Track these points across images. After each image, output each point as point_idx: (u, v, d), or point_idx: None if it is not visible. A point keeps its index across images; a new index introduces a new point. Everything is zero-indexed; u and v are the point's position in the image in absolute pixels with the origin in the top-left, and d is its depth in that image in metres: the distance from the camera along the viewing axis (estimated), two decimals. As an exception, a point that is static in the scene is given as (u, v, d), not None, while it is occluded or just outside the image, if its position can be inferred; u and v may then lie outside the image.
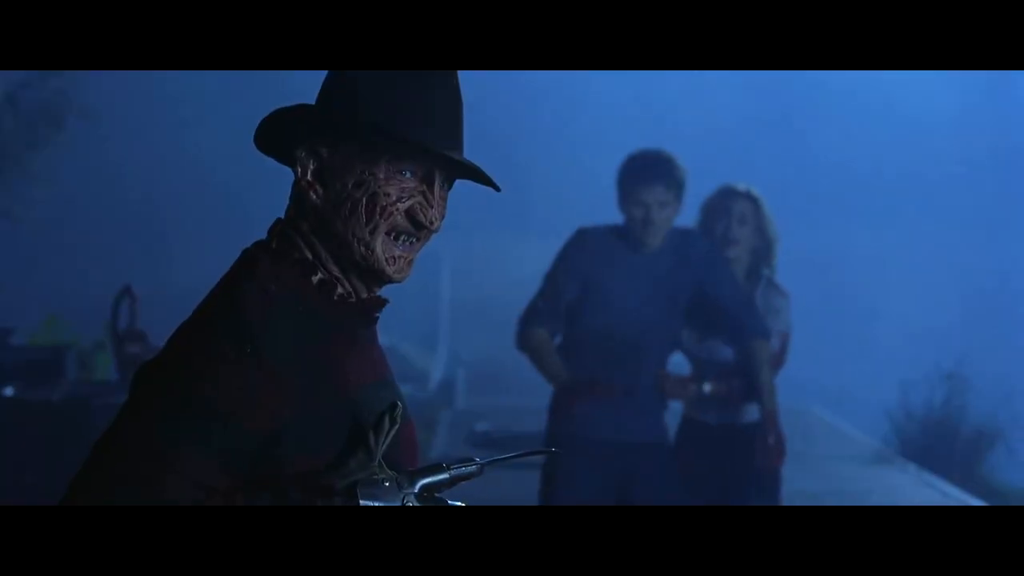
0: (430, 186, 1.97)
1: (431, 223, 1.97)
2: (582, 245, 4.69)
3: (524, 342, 4.69)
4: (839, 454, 10.40)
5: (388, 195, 1.94)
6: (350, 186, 1.94)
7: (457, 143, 1.99)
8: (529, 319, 4.67)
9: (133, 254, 17.83)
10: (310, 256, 1.97)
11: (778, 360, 4.99)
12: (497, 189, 2.02)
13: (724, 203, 4.98)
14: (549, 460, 4.67)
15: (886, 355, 15.99)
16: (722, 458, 4.89)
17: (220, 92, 19.21)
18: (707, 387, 4.86)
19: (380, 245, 1.95)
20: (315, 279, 1.96)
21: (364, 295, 2.01)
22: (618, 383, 4.60)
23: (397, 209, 1.94)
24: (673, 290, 4.68)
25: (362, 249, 1.94)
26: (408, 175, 1.95)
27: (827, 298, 18.23)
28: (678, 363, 4.95)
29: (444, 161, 1.97)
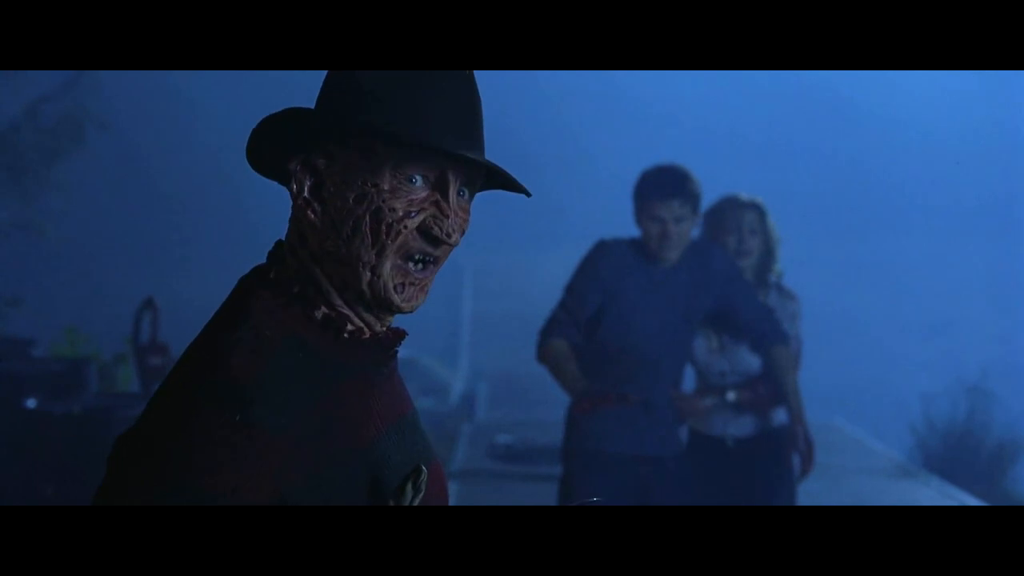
0: (444, 194, 1.69)
1: (448, 236, 1.69)
2: (602, 257, 4.68)
3: (544, 353, 4.66)
4: (861, 467, 10.35)
5: (394, 211, 1.66)
6: (351, 201, 1.67)
7: (474, 143, 1.71)
8: (549, 331, 4.65)
9: (155, 265, 17.89)
10: (312, 289, 1.70)
11: (795, 364, 5.00)
12: (528, 194, 1.78)
13: (734, 215, 4.98)
14: (566, 473, 4.67)
15: (909, 367, 15.93)
16: (740, 472, 4.88)
17: (244, 101, 19.29)
18: (731, 395, 4.86)
19: (388, 270, 1.68)
20: (318, 315, 1.69)
21: (376, 327, 1.74)
22: (636, 396, 4.59)
23: (406, 227, 1.67)
24: (692, 303, 4.68)
25: (368, 274, 1.68)
26: (418, 183, 1.68)
27: (849, 309, 18.17)
28: (686, 378, 4.94)
29: (456, 162, 1.69)
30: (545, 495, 4.83)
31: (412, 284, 1.70)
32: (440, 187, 1.69)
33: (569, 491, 4.64)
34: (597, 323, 4.66)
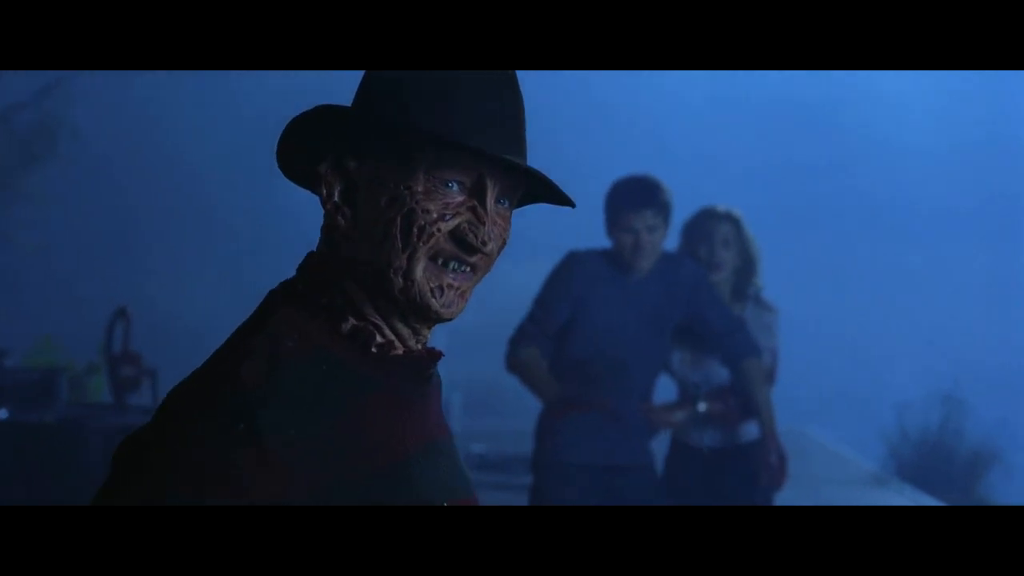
0: (481, 200, 1.60)
1: (483, 244, 1.59)
2: (573, 268, 4.68)
3: (514, 363, 4.67)
4: (835, 476, 10.38)
5: (428, 212, 1.56)
6: (383, 204, 1.57)
7: (514, 149, 1.62)
8: (518, 340, 4.65)
9: (127, 275, 17.82)
10: (340, 300, 1.60)
11: (770, 377, 5.00)
12: (572, 205, 1.70)
13: (706, 227, 4.99)
14: (536, 483, 4.67)
15: (882, 375, 15.98)
16: (716, 482, 4.88)
17: (218, 109, 19.24)
18: (702, 406, 4.86)
19: (422, 273, 1.58)
20: (346, 328, 1.59)
21: (411, 341, 1.65)
22: (609, 403, 4.59)
23: (439, 230, 1.57)
24: (663, 314, 4.69)
25: (400, 280, 1.57)
26: (455, 188, 1.58)
27: (822, 317, 18.21)
28: (666, 389, 4.94)
29: (494, 166, 1.60)
30: (518, 504, 4.82)
31: (450, 287, 1.61)
32: (477, 193, 1.60)
33: (539, 501, 4.64)
34: (567, 334, 4.65)
